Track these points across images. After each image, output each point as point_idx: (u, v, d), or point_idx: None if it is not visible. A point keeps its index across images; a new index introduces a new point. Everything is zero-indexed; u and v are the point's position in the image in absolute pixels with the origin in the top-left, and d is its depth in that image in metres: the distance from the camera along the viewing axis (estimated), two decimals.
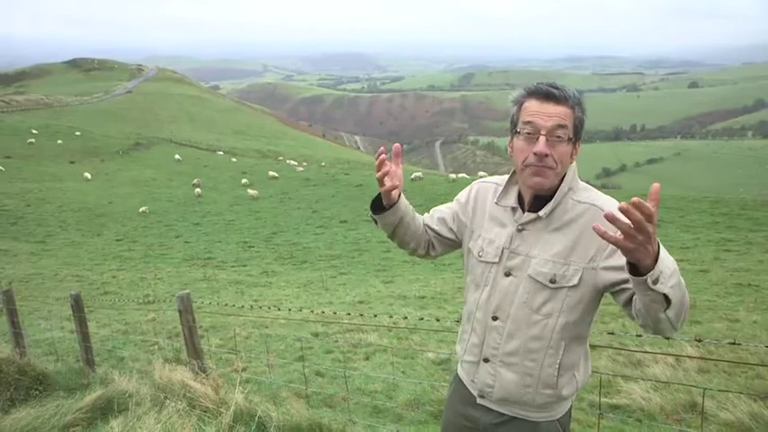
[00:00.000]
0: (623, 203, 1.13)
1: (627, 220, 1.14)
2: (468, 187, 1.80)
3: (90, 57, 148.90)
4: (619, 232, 1.17)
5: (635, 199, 1.11)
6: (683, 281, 1.29)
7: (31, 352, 5.38)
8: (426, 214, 1.87)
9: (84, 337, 4.85)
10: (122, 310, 9.56)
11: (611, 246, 1.42)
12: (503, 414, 1.65)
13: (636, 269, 1.23)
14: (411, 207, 1.77)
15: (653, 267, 1.20)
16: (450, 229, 1.79)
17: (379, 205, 1.72)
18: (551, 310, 1.54)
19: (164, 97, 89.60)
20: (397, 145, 1.65)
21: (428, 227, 1.83)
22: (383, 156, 1.59)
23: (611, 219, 1.15)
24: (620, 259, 1.39)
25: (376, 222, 1.76)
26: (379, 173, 1.60)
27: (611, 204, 1.50)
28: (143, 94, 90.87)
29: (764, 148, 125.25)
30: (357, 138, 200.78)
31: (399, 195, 1.67)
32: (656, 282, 1.21)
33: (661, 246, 1.24)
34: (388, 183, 1.61)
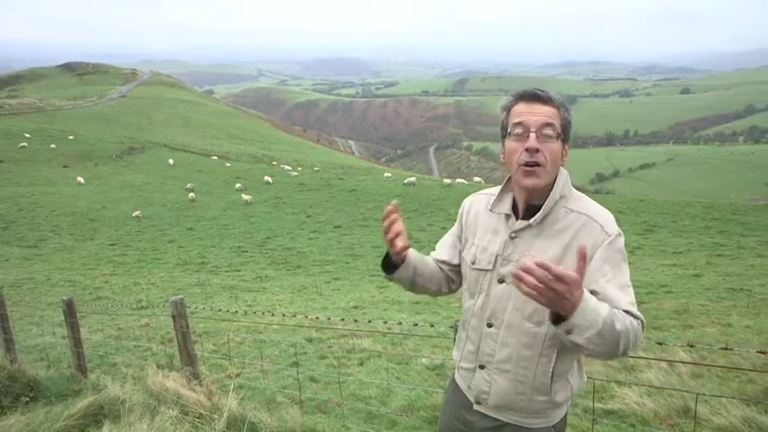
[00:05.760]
0: (517, 270, 1.26)
1: (532, 280, 1.24)
2: (464, 202, 1.83)
3: (84, 61, 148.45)
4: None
5: (533, 266, 1.23)
6: (613, 327, 1.35)
7: (22, 358, 5.33)
8: (433, 252, 1.88)
9: (77, 342, 4.82)
10: (115, 315, 9.50)
11: (597, 253, 1.49)
12: (498, 420, 1.66)
13: (559, 316, 1.35)
14: (419, 253, 1.77)
15: (568, 319, 1.32)
16: (459, 253, 1.80)
17: (389, 263, 1.72)
18: (542, 318, 1.55)
19: (158, 101, 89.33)
20: (395, 202, 1.62)
21: (439, 262, 1.83)
22: (394, 215, 1.59)
23: (517, 278, 1.27)
24: (600, 273, 1.48)
25: (391, 279, 1.76)
26: (391, 234, 1.60)
27: (603, 214, 1.55)
28: (137, 98, 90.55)
29: (755, 152, 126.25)
30: (351, 143, 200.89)
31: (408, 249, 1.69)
32: (569, 332, 1.34)
33: (588, 299, 1.32)
34: (400, 244, 1.62)
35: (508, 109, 1.59)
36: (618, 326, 1.35)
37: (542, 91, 1.55)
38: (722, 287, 9.41)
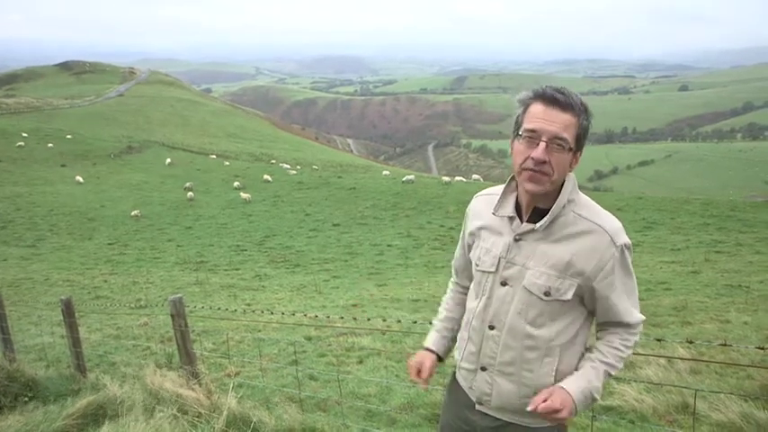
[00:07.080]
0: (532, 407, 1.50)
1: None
2: (468, 207, 1.81)
3: (82, 59, 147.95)
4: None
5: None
6: (609, 375, 1.57)
7: (20, 358, 5.32)
8: (453, 271, 1.94)
9: (75, 342, 4.81)
10: (114, 314, 9.49)
11: (607, 267, 1.51)
12: (500, 420, 1.65)
13: None
14: (442, 328, 1.94)
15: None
16: (468, 261, 1.81)
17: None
18: (545, 323, 1.55)
19: (156, 100, 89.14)
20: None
21: (458, 285, 1.92)
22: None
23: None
24: (609, 288, 1.53)
25: None
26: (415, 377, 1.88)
27: (613, 224, 1.53)
28: (135, 97, 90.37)
29: (754, 149, 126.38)
30: (350, 141, 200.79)
31: (436, 357, 1.93)
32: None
33: (581, 394, 1.52)
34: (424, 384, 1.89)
35: (525, 106, 1.52)
36: (614, 372, 1.55)
37: (563, 94, 1.47)
38: (720, 284, 9.42)
